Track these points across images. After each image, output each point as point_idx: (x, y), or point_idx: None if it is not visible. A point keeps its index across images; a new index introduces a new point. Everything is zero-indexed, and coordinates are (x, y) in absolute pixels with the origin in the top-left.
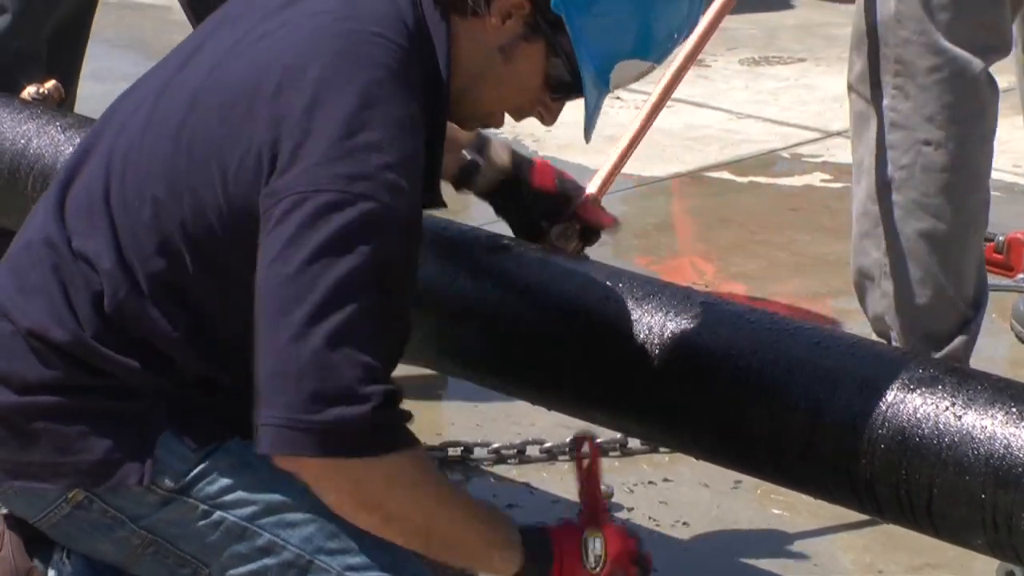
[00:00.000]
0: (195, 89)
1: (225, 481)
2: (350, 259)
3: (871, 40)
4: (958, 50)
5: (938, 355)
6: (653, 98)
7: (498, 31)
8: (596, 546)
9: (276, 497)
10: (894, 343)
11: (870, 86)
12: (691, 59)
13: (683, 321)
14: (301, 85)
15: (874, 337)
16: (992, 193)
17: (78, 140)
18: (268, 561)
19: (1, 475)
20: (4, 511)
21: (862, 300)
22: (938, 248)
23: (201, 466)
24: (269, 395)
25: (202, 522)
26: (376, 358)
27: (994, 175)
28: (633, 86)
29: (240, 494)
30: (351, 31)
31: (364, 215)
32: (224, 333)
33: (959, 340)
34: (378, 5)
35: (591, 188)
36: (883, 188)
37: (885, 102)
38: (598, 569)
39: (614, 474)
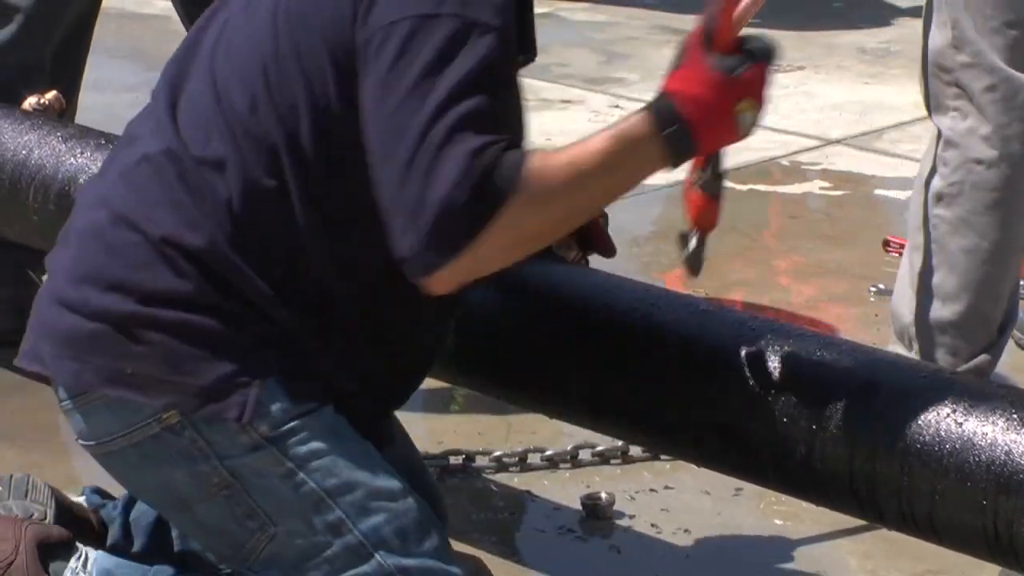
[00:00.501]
0: None
1: (316, 445)
2: (450, 72)
3: (933, 66)
4: (1012, 71)
5: (959, 370)
6: None
7: None
8: (749, 118)
9: (360, 477)
10: (913, 354)
11: (934, 108)
12: None
13: (685, 328)
14: None
15: (878, 346)
16: None
17: (79, 150)
18: (332, 539)
19: (96, 380)
20: (16, 515)
21: (895, 304)
22: (979, 266)
23: (296, 422)
24: (396, 233)
25: (285, 480)
26: (480, 149)
27: None
28: (643, 97)
29: (326, 463)
30: None
31: (455, 30)
32: (353, 228)
33: (982, 358)
34: None
35: None
36: (933, 202)
37: (946, 123)
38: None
39: (615, 482)
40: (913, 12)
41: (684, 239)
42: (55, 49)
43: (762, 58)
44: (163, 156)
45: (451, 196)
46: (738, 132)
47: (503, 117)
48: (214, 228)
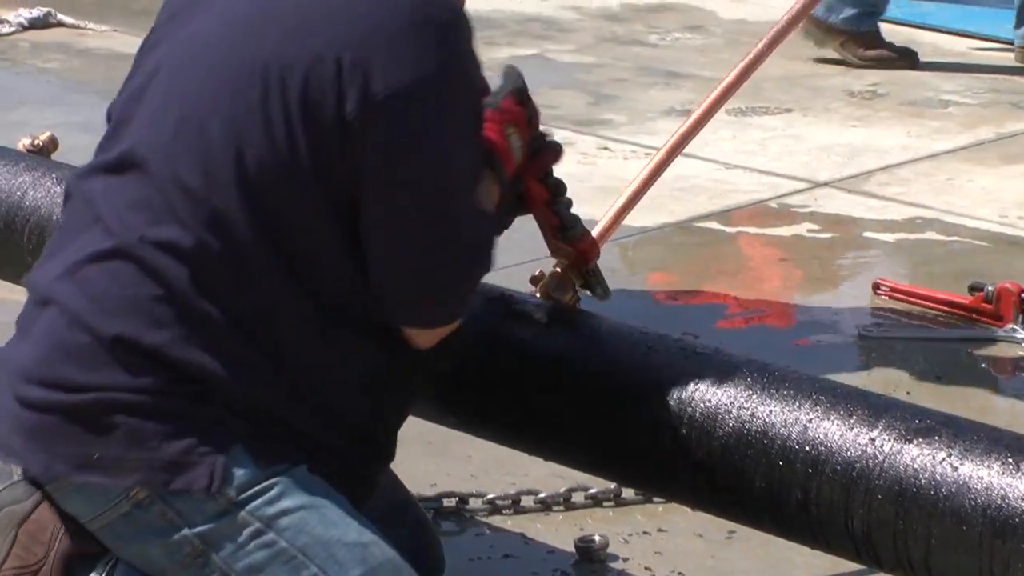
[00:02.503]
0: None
1: (285, 504)
2: (460, 154)
3: None
4: None
5: None
6: (659, 155)
7: None
8: (515, 140)
9: (333, 532)
10: None
11: None
12: (703, 119)
13: (681, 373)
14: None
15: (868, 388)
16: (978, 243)
17: None
18: None
19: (65, 468)
20: (52, 529)
21: None
22: None
23: (264, 485)
24: (415, 301)
25: (254, 541)
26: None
27: (981, 225)
28: (631, 139)
29: (296, 520)
30: None
31: (448, 94)
32: (329, 289)
33: None
34: None
35: (596, 231)
36: None
37: None
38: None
39: (608, 524)
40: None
41: (587, 281)
42: None
43: (507, 89)
44: (112, 253)
45: (470, 273)
46: (511, 153)
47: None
48: (172, 322)
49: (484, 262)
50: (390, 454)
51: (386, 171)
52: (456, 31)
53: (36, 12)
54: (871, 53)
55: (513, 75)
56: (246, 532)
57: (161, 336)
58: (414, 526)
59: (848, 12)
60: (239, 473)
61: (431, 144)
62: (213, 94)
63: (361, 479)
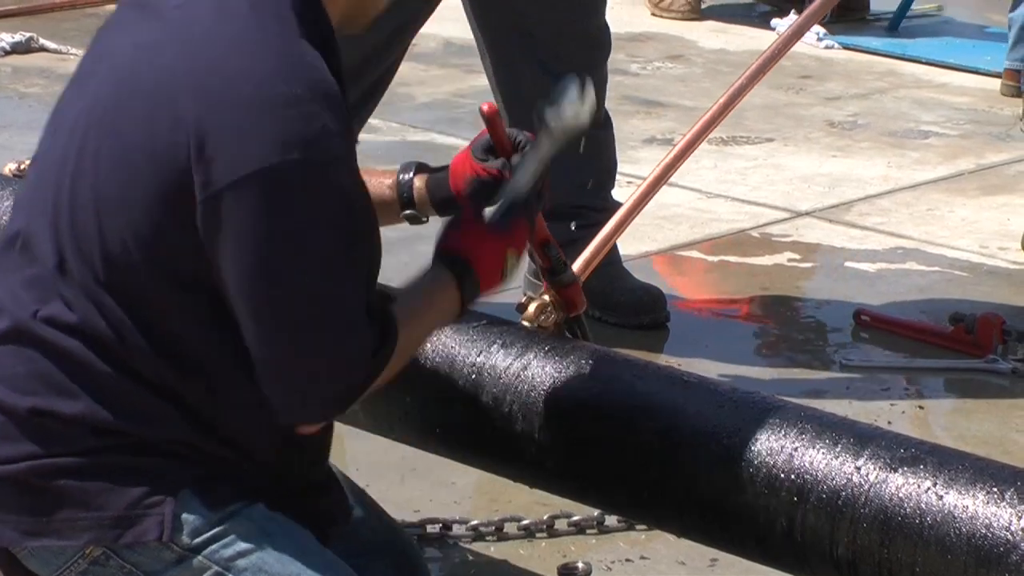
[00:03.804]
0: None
1: (242, 546)
2: (311, 237)
3: None
4: None
5: None
6: (649, 179)
7: None
8: (512, 263)
9: (292, 569)
10: None
11: None
12: (687, 150)
13: (667, 399)
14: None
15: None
16: (958, 273)
17: None
18: None
19: (15, 536)
20: None
21: None
22: None
23: (219, 528)
24: (280, 394)
25: None
26: (365, 319)
27: (960, 255)
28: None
29: (254, 560)
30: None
31: (310, 184)
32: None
33: None
34: None
35: (581, 259)
36: None
37: None
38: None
39: (591, 551)
40: (879, 88)
41: (571, 328)
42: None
43: (522, 212)
44: (9, 333)
45: (356, 373)
46: (504, 277)
47: (371, 239)
48: (83, 391)
49: (353, 367)
50: (325, 485)
51: (235, 269)
52: (306, 107)
53: (18, 37)
54: None
55: (526, 201)
56: None
57: (77, 406)
58: (399, 555)
59: None
60: (190, 519)
61: (273, 236)
62: (82, 177)
63: (311, 512)
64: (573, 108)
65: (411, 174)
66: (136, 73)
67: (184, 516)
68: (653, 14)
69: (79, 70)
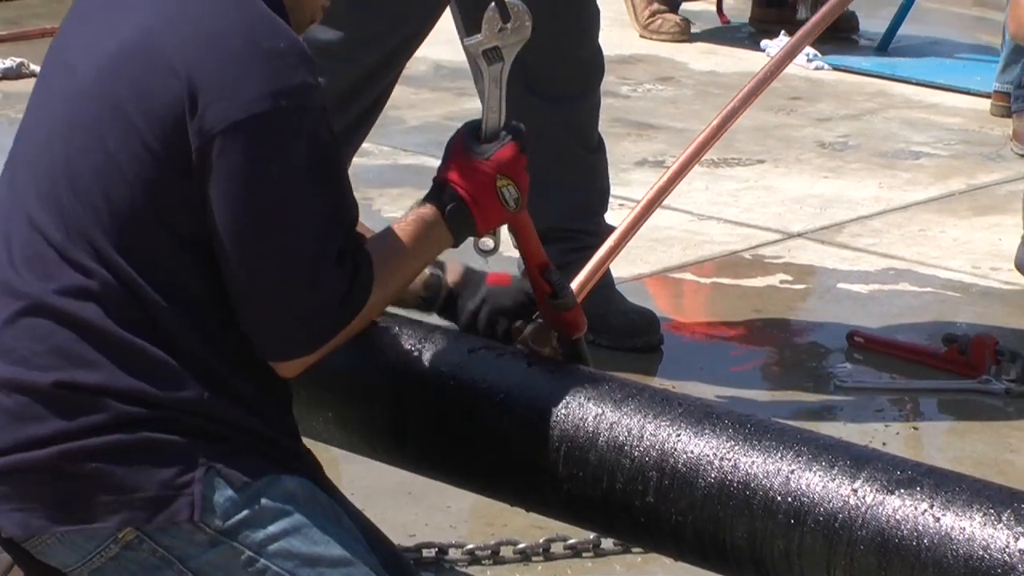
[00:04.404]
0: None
1: (271, 529)
2: (293, 179)
3: None
4: None
5: None
6: (643, 201)
7: None
8: (512, 191)
9: (317, 550)
10: None
11: None
12: (685, 167)
13: (662, 423)
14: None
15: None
16: (951, 294)
17: None
18: None
19: (43, 523)
20: None
21: None
22: None
23: (248, 510)
24: (261, 330)
25: (248, 569)
26: (336, 258)
27: (953, 276)
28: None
29: (284, 545)
30: None
31: (293, 127)
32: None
33: None
34: None
35: (576, 282)
36: None
37: None
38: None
39: (587, 575)
40: (869, 109)
41: (571, 352)
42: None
43: (508, 138)
44: (22, 312)
45: (327, 309)
46: (505, 205)
47: (345, 187)
48: (102, 359)
49: (323, 303)
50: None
51: (223, 206)
52: (289, 59)
53: (9, 63)
54: None
55: (514, 128)
56: (238, 561)
57: (99, 375)
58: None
59: None
60: (219, 500)
61: (263, 178)
62: (77, 145)
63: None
64: (490, 24)
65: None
66: (117, 43)
67: (214, 497)
68: (642, 36)
69: (47, 62)
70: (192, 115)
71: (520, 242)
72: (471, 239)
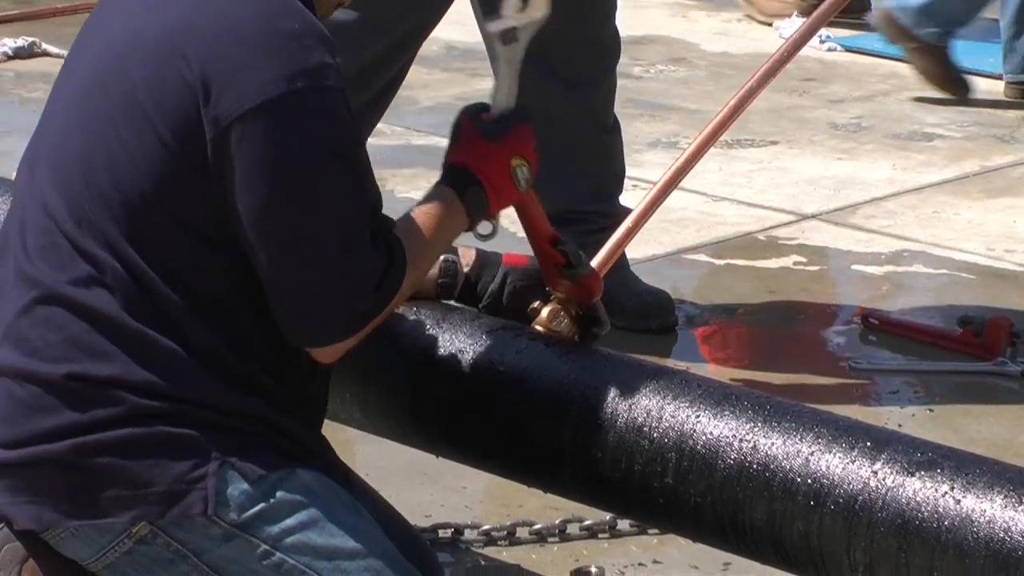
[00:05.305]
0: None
1: (287, 523)
2: (315, 162)
3: None
4: None
5: None
6: (661, 182)
7: None
8: (524, 172)
9: (334, 542)
10: None
11: None
12: (703, 148)
13: (682, 404)
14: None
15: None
16: (965, 276)
17: None
18: None
19: (56, 516)
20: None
21: None
22: None
23: (263, 504)
24: (295, 318)
25: (263, 562)
26: (369, 241)
27: (968, 258)
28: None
29: (300, 538)
30: None
31: (305, 109)
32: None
33: None
34: None
35: (592, 264)
36: None
37: None
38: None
39: (604, 556)
40: (882, 90)
41: (587, 314)
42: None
43: (518, 119)
44: (36, 301)
45: (366, 291)
46: (518, 186)
47: (368, 168)
48: (115, 351)
49: (360, 287)
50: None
51: (247, 196)
52: (306, 41)
53: (21, 42)
54: (937, 71)
55: (522, 109)
56: (253, 555)
57: (112, 367)
58: (417, 556)
59: (931, 29)
60: (234, 494)
61: (285, 161)
62: (91, 137)
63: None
64: (509, 5)
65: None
66: (135, 33)
67: (228, 491)
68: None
69: (73, 49)
70: (206, 105)
71: (528, 220)
72: None
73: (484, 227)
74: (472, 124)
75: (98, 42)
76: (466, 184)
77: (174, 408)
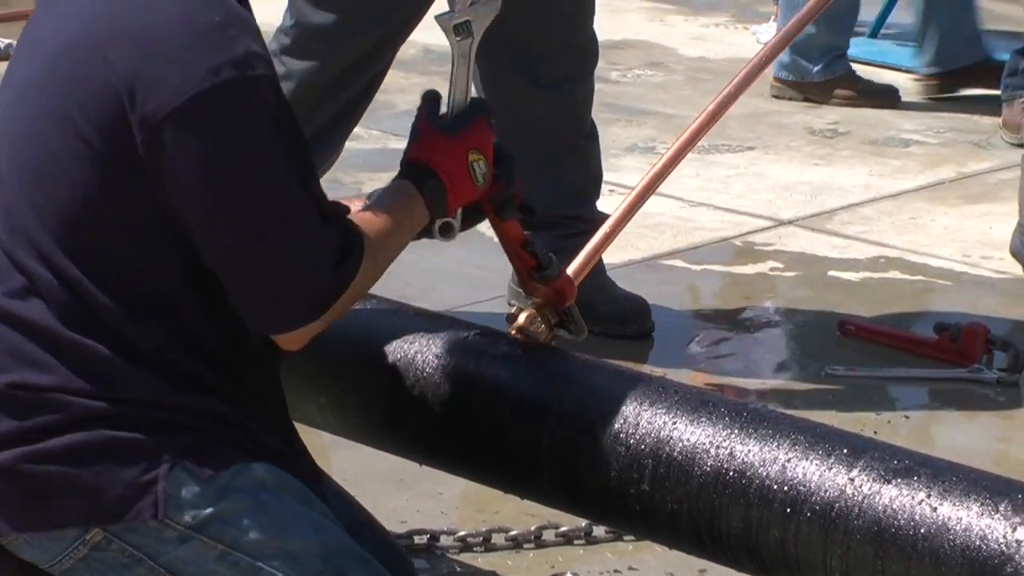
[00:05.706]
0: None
1: (240, 521)
2: (250, 151)
3: None
4: None
5: None
6: (638, 188)
7: None
8: (481, 166)
9: (290, 537)
10: None
11: None
12: (680, 153)
13: (659, 411)
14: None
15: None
16: (942, 282)
17: None
18: None
19: (7, 527)
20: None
21: None
22: None
23: (216, 505)
24: (255, 306)
25: (220, 562)
26: (319, 219)
27: (943, 264)
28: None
29: (256, 535)
30: None
31: (234, 100)
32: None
33: None
34: None
35: (570, 270)
36: None
37: None
38: (484, 183)
39: (579, 562)
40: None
41: (563, 319)
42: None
43: (475, 114)
44: None
45: (324, 269)
46: (475, 180)
47: (306, 149)
48: (52, 362)
49: (317, 265)
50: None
51: (190, 193)
52: (229, 31)
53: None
54: (847, 93)
55: (479, 102)
56: (209, 555)
57: (51, 377)
58: (391, 562)
59: (817, 67)
60: (186, 496)
61: (222, 154)
62: (19, 146)
63: (292, 455)
64: None
65: None
66: (63, 37)
67: (180, 493)
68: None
69: (12, 56)
70: (132, 108)
71: (498, 223)
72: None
73: (446, 226)
74: (428, 120)
75: (30, 49)
76: (424, 178)
77: (118, 410)
